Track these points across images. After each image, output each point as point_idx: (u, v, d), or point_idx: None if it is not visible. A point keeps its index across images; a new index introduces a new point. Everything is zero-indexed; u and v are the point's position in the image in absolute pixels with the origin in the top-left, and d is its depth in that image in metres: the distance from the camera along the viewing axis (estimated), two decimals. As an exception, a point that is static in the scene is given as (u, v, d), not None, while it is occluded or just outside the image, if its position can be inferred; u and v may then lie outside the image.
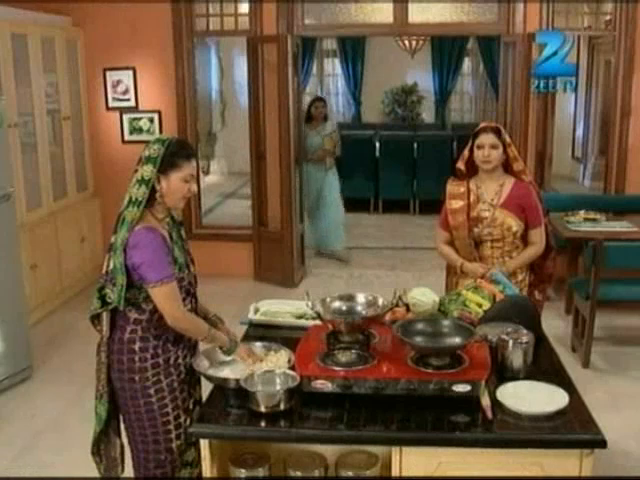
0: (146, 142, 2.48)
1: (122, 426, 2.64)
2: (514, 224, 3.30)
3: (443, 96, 12.03)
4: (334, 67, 12.43)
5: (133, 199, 2.38)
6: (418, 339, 2.40)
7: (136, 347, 2.44)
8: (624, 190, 5.96)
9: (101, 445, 2.66)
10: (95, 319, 2.54)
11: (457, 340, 2.38)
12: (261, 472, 2.27)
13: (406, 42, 9.36)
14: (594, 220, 5.15)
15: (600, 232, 4.78)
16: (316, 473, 2.26)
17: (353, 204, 9.29)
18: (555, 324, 4.97)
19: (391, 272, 6.49)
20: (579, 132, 10.20)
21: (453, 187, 3.42)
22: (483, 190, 3.35)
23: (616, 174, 6.02)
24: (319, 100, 7.13)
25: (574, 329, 4.73)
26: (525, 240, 3.39)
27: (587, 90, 9.78)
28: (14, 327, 4.33)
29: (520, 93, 5.83)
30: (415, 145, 9.22)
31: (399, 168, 9.13)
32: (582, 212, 5.27)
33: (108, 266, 2.44)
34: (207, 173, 11.56)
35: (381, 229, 8.52)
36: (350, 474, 2.24)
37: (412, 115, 12.06)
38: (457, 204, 3.37)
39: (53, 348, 4.90)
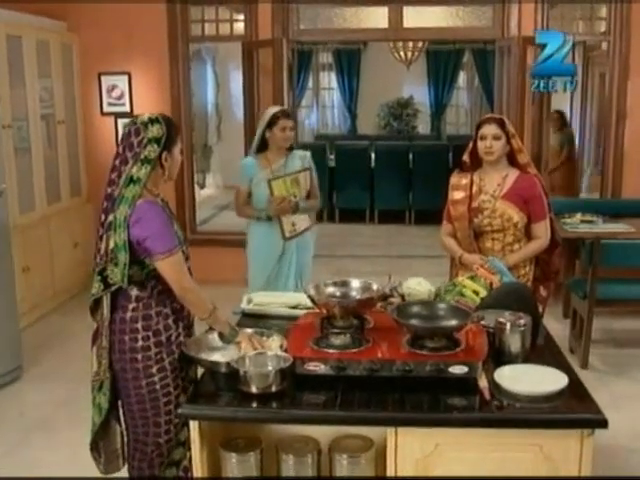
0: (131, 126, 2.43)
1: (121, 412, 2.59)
2: (515, 215, 3.25)
3: (439, 109, 12.07)
4: (330, 80, 12.47)
5: (135, 178, 2.37)
6: (414, 321, 2.35)
7: (139, 326, 2.41)
8: (620, 194, 5.95)
9: (99, 442, 2.60)
10: (93, 306, 2.49)
11: (453, 322, 2.33)
12: (252, 456, 2.19)
13: (401, 53, 9.39)
14: (591, 222, 5.13)
15: (597, 233, 4.75)
16: (309, 457, 2.19)
17: (348, 215, 9.33)
18: (553, 327, 4.86)
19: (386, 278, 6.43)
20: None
21: (456, 179, 3.42)
22: (486, 181, 3.33)
23: (612, 178, 6.01)
24: (284, 116, 3.96)
25: (572, 330, 4.68)
26: (529, 235, 3.34)
27: (582, 103, 9.82)
28: (5, 326, 4.27)
29: (515, 97, 5.82)
30: (411, 155, 9.22)
31: (395, 178, 9.11)
32: (579, 215, 5.24)
33: (107, 246, 2.39)
34: (203, 186, 11.55)
35: (377, 239, 8.49)
36: (344, 457, 2.17)
37: (408, 128, 12.09)
38: (459, 195, 3.35)
39: (44, 351, 4.82)
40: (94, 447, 2.61)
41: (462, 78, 12.18)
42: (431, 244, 7.25)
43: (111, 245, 2.37)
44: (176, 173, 2.54)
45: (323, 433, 2.27)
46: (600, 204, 5.73)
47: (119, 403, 2.59)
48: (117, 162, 2.42)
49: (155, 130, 2.38)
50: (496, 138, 3.25)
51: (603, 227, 5.03)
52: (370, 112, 12.14)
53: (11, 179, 5.04)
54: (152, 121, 2.40)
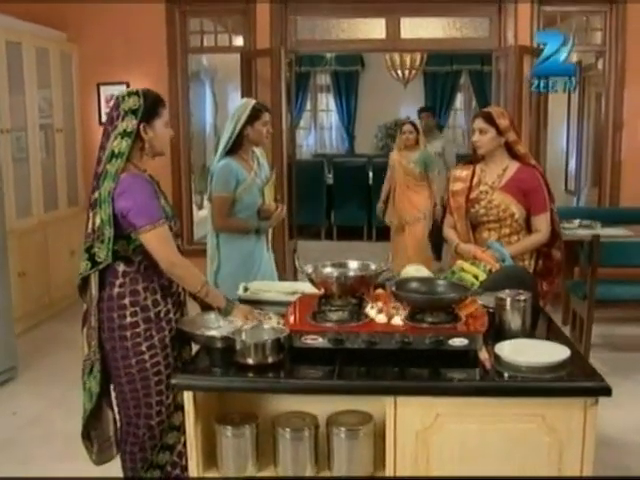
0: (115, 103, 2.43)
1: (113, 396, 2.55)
2: (513, 207, 3.23)
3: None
4: (328, 102, 12.54)
5: (116, 152, 2.35)
6: (413, 294, 2.32)
7: (126, 301, 2.37)
8: (618, 203, 5.95)
9: (92, 430, 2.55)
10: (82, 285, 2.45)
11: (453, 295, 2.30)
12: (248, 429, 2.14)
13: (399, 71, 9.44)
14: (589, 227, 5.13)
15: (596, 236, 4.72)
16: (306, 432, 2.13)
17: (346, 232, 9.30)
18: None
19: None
20: (571, 165, 10.25)
21: (458, 171, 3.43)
22: (487, 173, 3.32)
23: (610, 189, 6.02)
24: (265, 108, 3.54)
25: (572, 332, 4.64)
26: (530, 228, 3.30)
27: (579, 123, 9.88)
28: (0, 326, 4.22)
29: (512, 107, 5.81)
30: (409, 173, 9.21)
31: (393, 196, 9.09)
32: (577, 221, 5.24)
33: (94, 223, 2.37)
34: (200, 207, 11.53)
35: (374, 255, 8.41)
36: (342, 430, 2.11)
37: (405, 150, 12.12)
38: (458, 186, 3.36)
39: (39, 356, 4.76)
40: (86, 435, 2.55)
41: (459, 100, 12.25)
42: (429, 258, 7.23)
43: (97, 222, 2.35)
44: (164, 149, 2.50)
45: (321, 408, 2.22)
46: (598, 212, 5.73)
47: (111, 388, 2.55)
48: (104, 139, 2.41)
49: (131, 101, 2.37)
50: (482, 132, 3.24)
51: (601, 231, 5.01)
52: (368, 133, 12.18)
53: (8, 184, 5.03)
54: (130, 94, 2.40)
